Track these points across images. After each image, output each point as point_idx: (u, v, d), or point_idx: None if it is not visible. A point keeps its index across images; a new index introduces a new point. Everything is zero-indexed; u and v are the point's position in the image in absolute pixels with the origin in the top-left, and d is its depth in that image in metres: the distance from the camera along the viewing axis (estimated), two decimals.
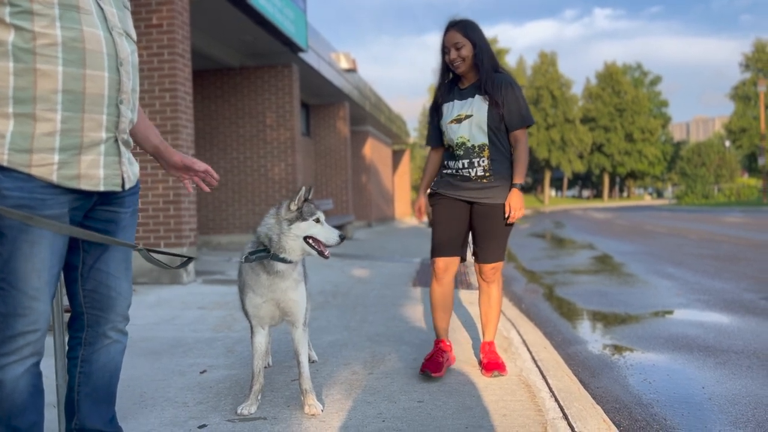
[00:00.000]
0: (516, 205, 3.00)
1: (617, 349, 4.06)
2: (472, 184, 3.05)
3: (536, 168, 73.25)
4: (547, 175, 69.35)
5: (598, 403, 2.89)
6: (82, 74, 1.65)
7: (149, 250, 1.86)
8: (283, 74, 10.69)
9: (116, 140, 1.77)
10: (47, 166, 1.62)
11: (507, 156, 3.07)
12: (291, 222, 2.42)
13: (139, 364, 3.42)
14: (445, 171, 3.16)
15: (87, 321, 1.92)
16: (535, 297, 6.22)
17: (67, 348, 1.98)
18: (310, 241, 2.44)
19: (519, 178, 3.02)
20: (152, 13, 6.44)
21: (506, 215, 3.01)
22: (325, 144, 15.57)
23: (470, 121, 3.01)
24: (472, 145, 3.02)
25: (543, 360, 3.40)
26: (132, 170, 1.87)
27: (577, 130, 65.82)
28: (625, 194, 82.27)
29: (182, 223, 6.56)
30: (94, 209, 1.82)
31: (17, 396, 1.70)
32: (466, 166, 3.04)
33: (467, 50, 3.00)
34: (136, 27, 6.38)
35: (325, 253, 2.46)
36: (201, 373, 3.23)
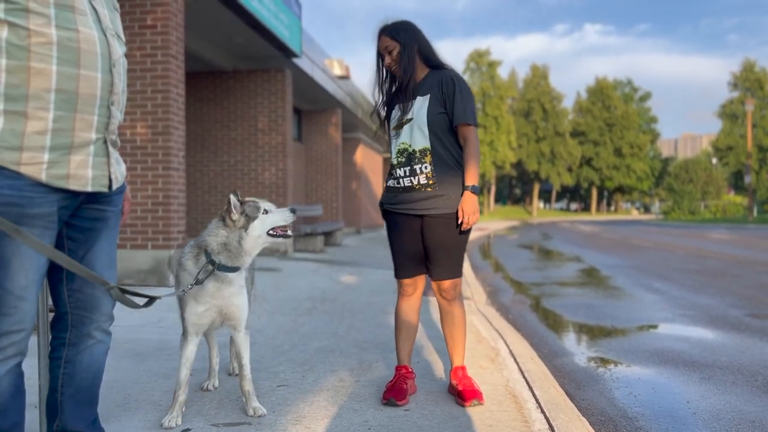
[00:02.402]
0: (469, 209, 2.74)
1: (603, 361, 4.07)
2: (416, 194, 2.81)
3: (525, 180, 73.64)
4: (536, 187, 69.73)
5: (583, 416, 2.89)
6: (76, 74, 1.65)
7: (122, 290, 1.84)
8: (276, 79, 10.68)
9: (105, 141, 1.76)
10: (37, 165, 1.61)
11: (455, 161, 2.82)
12: (246, 227, 2.43)
13: (123, 366, 3.38)
14: (388, 183, 2.94)
15: (71, 321, 1.90)
16: (522, 308, 6.24)
17: (49, 348, 1.95)
18: (272, 231, 2.47)
19: (471, 180, 2.76)
20: (147, 14, 6.42)
21: (459, 221, 2.77)
22: (316, 150, 15.56)
23: (411, 125, 2.81)
24: (414, 150, 2.80)
25: (529, 371, 3.40)
26: (119, 170, 1.86)
27: (566, 143, 66.29)
28: (612, 208, 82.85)
29: (171, 225, 6.52)
30: (82, 208, 1.81)
31: None
32: (407, 174, 2.81)
33: (398, 52, 2.83)
34: (131, 28, 6.37)
35: (288, 232, 2.50)
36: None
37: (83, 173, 1.69)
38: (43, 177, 1.62)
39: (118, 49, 1.79)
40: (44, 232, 1.67)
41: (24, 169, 1.60)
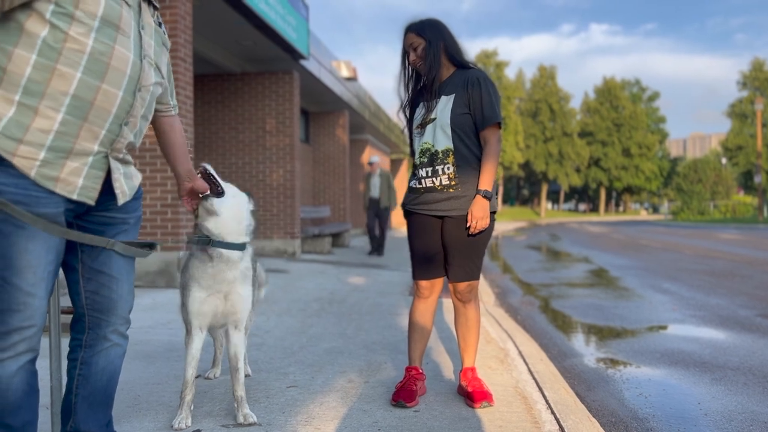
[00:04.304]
0: (478, 214, 2.70)
1: (613, 362, 4.06)
2: (438, 195, 2.80)
3: (533, 180, 73.46)
4: (544, 188, 69.51)
5: (594, 417, 2.88)
6: (97, 86, 1.68)
7: (126, 243, 1.86)
8: (283, 81, 10.70)
9: (106, 156, 1.77)
10: (30, 160, 1.63)
11: (477, 162, 2.80)
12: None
13: (133, 368, 3.40)
14: (410, 184, 2.93)
15: (88, 323, 1.91)
16: (531, 309, 6.22)
17: (68, 349, 1.97)
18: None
19: (485, 184, 2.73)
20: None
21: (467, 225, 2.76)
22: (324, 151, 15.58)
23: (434, 124, 2.79)
24: (436, 151, 2.79)
25: (539, 372, 3.40)
26: (129, 184, 1.87)
27: (574, 143, 66.09)
28: (621, 209, 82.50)
29: (180, 226, 6.54)
30: (91, 213, 1.83)
31: (11, 393, 1.68)
32: (429, 174, 2.80)
33: (422, 49, 2.81)
34: None
35: (217, 190, 2.32)
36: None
37: (73, 180, 1.71)
38: (32, 173, 1.63)
39: (151, 77, 1.83)
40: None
41: (17, 161, 1.62)
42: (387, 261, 10.35)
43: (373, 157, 11.63)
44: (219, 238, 2.35)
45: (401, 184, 28.34)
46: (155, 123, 2.08)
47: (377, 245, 11.44)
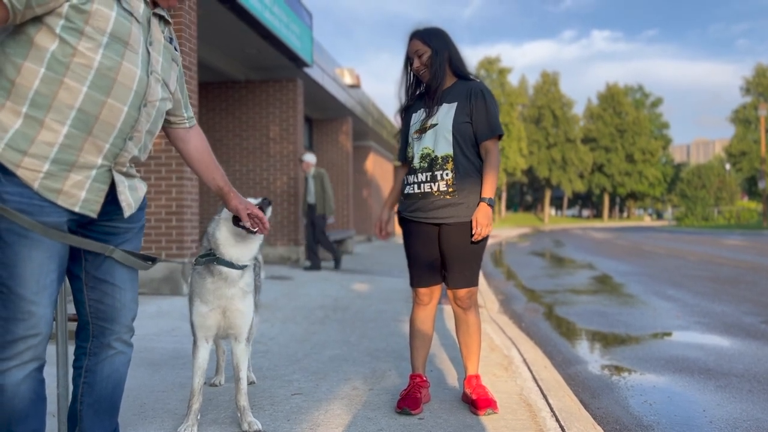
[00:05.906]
0: (483, 221, 2.74)
1: (617, 369, 4.05)
2: (435, 201, 2.81)
3: (536, 186, 73.41)
4: (548, 194, 69.49)
5: (599, 424, 2.88)
6: (102, 101, 1.70)
7: (126, 252, 1.86)
8: (287, 88, 10.75)
9: (110, 170, 1.79)
10: (33, 172, 1.64)
11: (475, 170, 2.83)
12: (219, 212, 2.42)
13: (139, 375, 3.41)
14: (406, 190, 2.93)
15: (92, 331, 1.92)
16: (535, 316, 6.22)
17: (73, 357, 1.98)
18: (241, 224, 2.30)
19: (488, 192, 2.78)
20: None
21: (472, 232, 2.78)
22: (327, 158, 15.62)
23: (435, 130, 2.82)
24: (436, 156, 2.81)
25: (543, 379, 3.40)
26: (134, 196, 1.88)
27: (578, 149, 66.11)
28: (624, 215, 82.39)
29: (184, 234, 6.57)
30: (95, 223, 1.84)
31: (18, 402, 1.70)
32: (427, 179, 2.82)
33: (428, 57, 2.85)
34: None
35: (253, 229, 2.27)
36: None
37: (76, 193, 1.72)
38: (35, 185, 1.65)
39: (158, 93, 1.85)
40: (52, 241, 1.70)
41: (20, 172, 1.63)
42: (392, 268, 10.35)
43: (305, 154, 9.75)
44: (224, 257, 2.38)
45: None
46: (169, 135, 2.09)
47: (316, 259, 9.61)
